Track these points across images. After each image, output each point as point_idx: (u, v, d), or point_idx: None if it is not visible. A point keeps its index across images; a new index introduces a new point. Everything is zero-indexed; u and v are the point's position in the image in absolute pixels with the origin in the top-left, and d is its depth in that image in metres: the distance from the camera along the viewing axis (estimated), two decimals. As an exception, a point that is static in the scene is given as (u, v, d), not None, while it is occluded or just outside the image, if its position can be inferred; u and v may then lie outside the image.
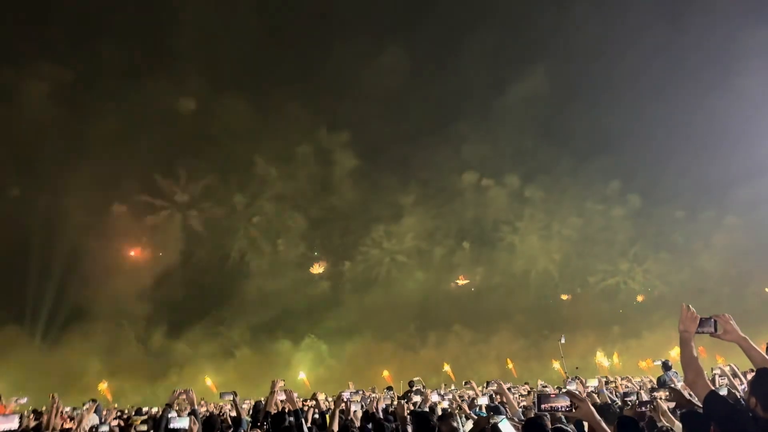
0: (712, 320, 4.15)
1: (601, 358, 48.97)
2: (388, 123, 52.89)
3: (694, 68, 50.14)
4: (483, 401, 9.11)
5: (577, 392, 5.53)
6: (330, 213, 54.51)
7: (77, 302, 42.47)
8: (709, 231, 52.73)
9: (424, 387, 14.63)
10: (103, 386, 39.09)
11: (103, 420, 9.86)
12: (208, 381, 42.53)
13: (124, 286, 45.09)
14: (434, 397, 10.55)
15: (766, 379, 3.65)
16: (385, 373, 43.12)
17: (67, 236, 43.34)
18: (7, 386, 31.08)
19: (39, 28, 43.66)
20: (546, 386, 13.79)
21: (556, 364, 41.99)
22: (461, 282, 55.87)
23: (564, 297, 56.15)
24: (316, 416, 9.89)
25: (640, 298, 56.04)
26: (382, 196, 54.94)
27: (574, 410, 4.78)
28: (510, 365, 47.09)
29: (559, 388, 11.94)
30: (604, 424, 4.50)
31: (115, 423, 10.03)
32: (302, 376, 45.32)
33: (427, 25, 53.40)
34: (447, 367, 44.15)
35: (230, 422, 10.03)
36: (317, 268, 53.68)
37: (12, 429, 6.57)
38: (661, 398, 7.12)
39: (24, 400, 10.78)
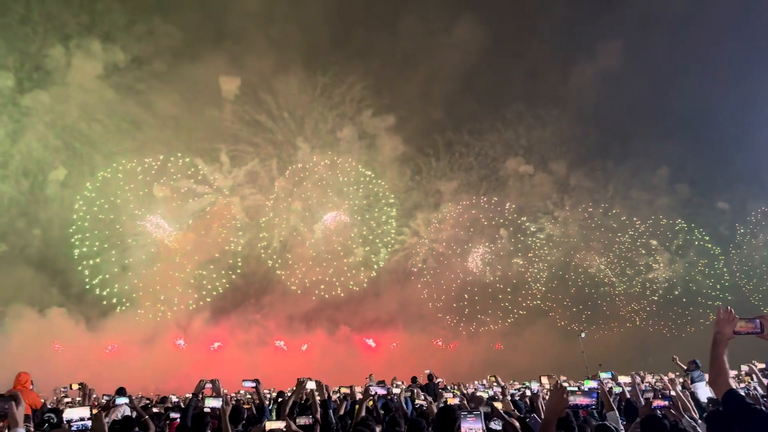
0: (758, 321, 3.92)
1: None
2: (439, 105, 51.86)
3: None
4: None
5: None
6: (372, 200, 53.58)
7: (120, 289, 43.28)
8: (757, 225, 50.97)
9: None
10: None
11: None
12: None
13: (166, 272, 45.41)
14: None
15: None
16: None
17: (111, 221, 43.94)
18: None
19: (90, 5, 42.98)
20: (567, 381, 13.66)
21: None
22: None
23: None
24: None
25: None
26: (423, 183, 53.95)
27: None
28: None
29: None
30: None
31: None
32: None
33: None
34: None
35: (255, 411, 10.16)
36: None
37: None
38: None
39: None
